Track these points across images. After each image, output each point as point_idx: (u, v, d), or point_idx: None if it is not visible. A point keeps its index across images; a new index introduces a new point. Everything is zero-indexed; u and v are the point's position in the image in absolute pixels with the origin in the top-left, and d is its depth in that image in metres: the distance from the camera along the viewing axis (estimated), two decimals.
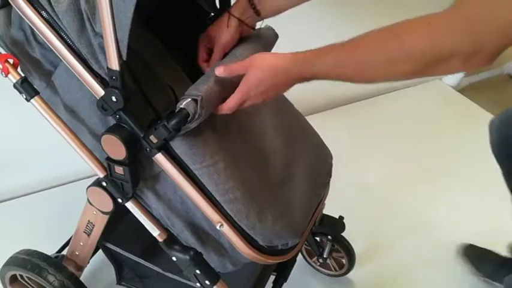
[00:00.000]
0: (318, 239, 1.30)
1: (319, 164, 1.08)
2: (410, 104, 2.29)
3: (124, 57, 0.70)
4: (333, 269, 1.39)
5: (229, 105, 0.77)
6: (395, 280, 1.46)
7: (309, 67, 0.72)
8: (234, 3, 0.94)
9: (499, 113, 1.26)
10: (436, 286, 1.46)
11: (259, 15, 0.93)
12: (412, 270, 1.49)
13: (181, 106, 0.75)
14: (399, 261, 1.51)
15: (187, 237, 0.90)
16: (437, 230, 1.56)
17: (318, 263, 1.40)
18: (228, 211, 0.83)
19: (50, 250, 1.13)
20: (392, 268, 1.49)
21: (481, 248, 1.50)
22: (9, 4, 0.79)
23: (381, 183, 1.79)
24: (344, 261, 1.34)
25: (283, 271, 1.15)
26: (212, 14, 1.05)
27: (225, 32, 0.92)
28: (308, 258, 1.42)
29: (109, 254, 1.09)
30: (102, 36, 0.71)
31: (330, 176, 1.09)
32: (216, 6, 1.04)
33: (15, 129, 1.52)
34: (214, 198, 0.83)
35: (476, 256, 1.49)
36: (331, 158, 1.10)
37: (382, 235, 1.59)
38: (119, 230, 1.07)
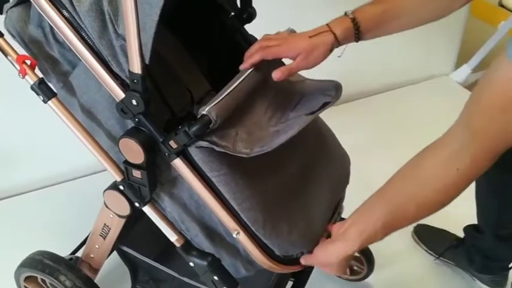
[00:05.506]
0: None
1: (337, 168, 1.05)
2: (418, 100, 2.23)
3: (147, 61, 0.68)
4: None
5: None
6: (411, 283, 1.43)
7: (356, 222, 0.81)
8: (336, 20, 0.86)
9: None
10: None
11: (359, 39, 0.86)
12: (428, 273, 1.46)
13: (204, 112, 0.73)
14: (415, 264, 1.48)
15: (201, 241, 0.88)
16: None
17: None
18: (245, 219, 0.82)
19: (62, 249, 1.12)
20: (407, 271, 1.46)
21: (432, 227, 1.51)
22: (28, 0, 0.77)
23: None
24: (358, 268, 1.32)
25: (300, 277, 1.13)
26: (232, 13, 1.02)
27: (320, 48, 0.84)
28: None
29: (124, 256, 1.08)
30: (124, 39, 0.69)
31: (348, 180, 1.06)
32: (236, 5, 1.01)
33: (25, 123, 1.51)
34: (231, 206, 0.81)
35: (427, 235, 1.51)
36: (349, 162, 1.07)
37: (396, 238, 1.56)
38: (134, 232, 1.05)
